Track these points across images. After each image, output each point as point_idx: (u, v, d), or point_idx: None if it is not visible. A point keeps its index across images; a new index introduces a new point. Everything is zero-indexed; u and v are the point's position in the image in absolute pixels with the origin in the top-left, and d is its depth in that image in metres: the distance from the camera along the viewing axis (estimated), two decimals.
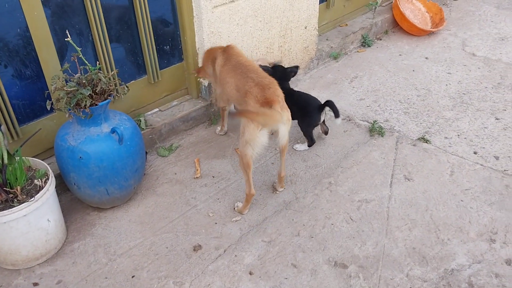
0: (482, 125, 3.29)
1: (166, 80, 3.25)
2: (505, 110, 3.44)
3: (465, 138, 3.16)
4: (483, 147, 3.06)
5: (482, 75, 3.92)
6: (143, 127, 3.06)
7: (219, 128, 3.32)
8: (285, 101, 2.52)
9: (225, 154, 3.10)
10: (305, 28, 3.82)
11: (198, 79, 3.34)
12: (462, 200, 2.64)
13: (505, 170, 2.84)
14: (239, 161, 2.57)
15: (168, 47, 3.17)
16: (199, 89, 3.38)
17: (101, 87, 2.36)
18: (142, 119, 3.10)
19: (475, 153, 3.01)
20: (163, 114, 3.24)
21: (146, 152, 3.01)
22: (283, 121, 2.40)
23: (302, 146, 3.13)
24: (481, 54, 4.23)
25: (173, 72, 3.26)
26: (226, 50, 2.83)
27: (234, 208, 2.66)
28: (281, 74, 3.03)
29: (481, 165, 2.90)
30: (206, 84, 3.32)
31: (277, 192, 2.77)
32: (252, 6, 3.31)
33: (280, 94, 2.47)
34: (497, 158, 2.95)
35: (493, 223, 2.49)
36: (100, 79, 2.36)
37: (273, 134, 2.58)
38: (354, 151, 3.08)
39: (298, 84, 3.90)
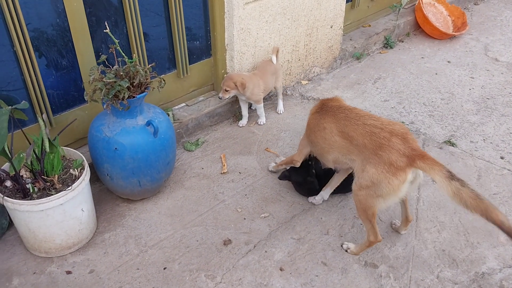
0: (507, 130, 3.30)
1: (194, 75, 3.26)
2: None
3: (491, 142, 3.16)
4: (510, 153, 3.06)
5: (506, 80, 3.92)
6: (171, 121, 3.07)
7: (272, 164, 2.93)
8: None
9: (250, 150, 3.11)
10: (331, 27, 3.82)
11: (225, 75, 3.34)
12: None
13: None
14: (358, 208, 2.21)
15: (198, 42, 3.18)
16: None
17: (138, 80, 2.37)
18: (170, 113, 3.12)
19: (502, 158, 3.02)
20: (190, 109, 3.25)
21: None
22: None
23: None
24: (504, 59, 4.23)
25: (201, 67, 3.27)
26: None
27: (346, 250, 2.38)
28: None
29: (509, 170, 2.91)
30: None
31: (400, 233, 2.49)
32: (281, 3, 3.31)
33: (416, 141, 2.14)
34: None
35: None
36: (138, 72, 2.37)
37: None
38: None
39: (321, 83, 3.91)
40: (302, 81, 3.88)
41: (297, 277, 2.25)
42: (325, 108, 2.39)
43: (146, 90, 2.42)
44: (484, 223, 2.52)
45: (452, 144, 3.13)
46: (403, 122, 3.30)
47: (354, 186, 2.20)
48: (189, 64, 3.16)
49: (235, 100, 3.40)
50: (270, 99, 3.67)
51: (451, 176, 1.99)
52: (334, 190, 2.66)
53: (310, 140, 2.50)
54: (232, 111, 3.42)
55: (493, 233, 2.47)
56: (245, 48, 3.26)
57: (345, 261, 2.34)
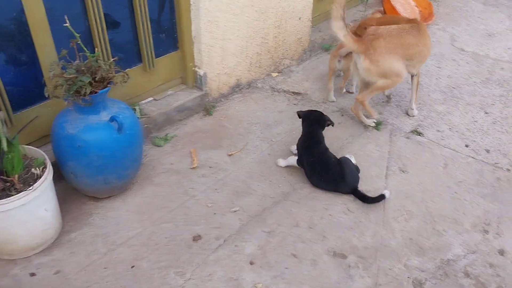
0: (472, 119, 3.37)
1: (161, 69, 3.20)
2: (493, 104, 3.53)
3: (456, 131, 3.23)
4: (474, 141, 3.14)
5: (471, 70, 4.00)
6: (138, 116, 3.01)
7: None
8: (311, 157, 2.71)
9: (221, 144, 3.09)
10: (299, 19, 3.81)
11: (193, 69, 3.30)
12: (456, 192, 2.71)
13: (496, 163, 2.92)
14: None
15: (164, 35, 3.12)
16: (194, 78, 3.35)
17: (101, 75, 2.31)
18: (137, 108, 3.06)
19: (466, 146, 3.09)
20: (158, 104, 3.20)
21: None
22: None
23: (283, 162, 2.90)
24: (469, 49, 4.32)
25: (168, 61, 3.22)
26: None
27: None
28: (315, 120, 2.82)
29: (473, 158, 2.98)
30: (202, 74, 3.29)
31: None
32: None
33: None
34: (488, 151, 3.03)
35: (486, 215, 2.56)
36: (100, 66, 2.31)
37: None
38: (349, 143, 3.12)
39: (291, 75, 3.90)
40: (272, 74, 3.87)
41: (267, 270, 2.26)
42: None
43: (109, 85, 2.37)
44: (450, 210, 2.59)
45: (419, 134, 3.18)
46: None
47: None
48: (156, 57, 3.10)
49: (204, 94, 3.36)
50: (240, 91, 3.65)
51: None
52: (320, 185, 2.71)
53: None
54: (202, 104, 3.38)
55: (458, 220, 2.53)
56: (213, 41, 3.22)
57: (314, 252, 2.35)
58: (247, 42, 3.48)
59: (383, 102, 3.56)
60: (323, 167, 2.71)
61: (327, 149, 2.79)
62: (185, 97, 3.29)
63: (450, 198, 2.67)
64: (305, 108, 3.21)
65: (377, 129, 3.23)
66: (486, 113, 3.44)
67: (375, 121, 3.25)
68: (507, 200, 2.65)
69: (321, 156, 2.75)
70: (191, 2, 3.03)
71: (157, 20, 3.04)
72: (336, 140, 3.13)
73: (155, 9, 2.98)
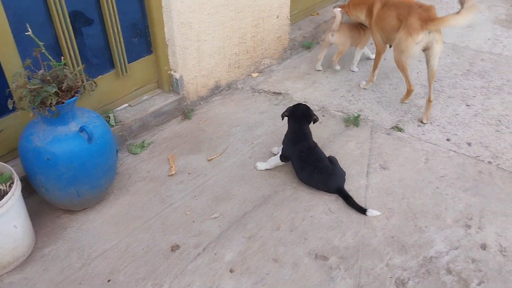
0: (453, 112, 3.34)
1: (136, 74, 3.13)
2: (475, 96, 3.50)
3: (437, 125, 3.20)
4: (456, 134, 3.10)
5: (452, 62, 3.98)
6: (112, 124, 2.95)
7: (364, 82, 3.64)
8: (299, 152, 2.69)
9: (200, 149, 3.03)
10: (277, 17, 3.76)
11: (169, 72, 3.23)
12: (437, 187, 2.67)
13: (477, 156, 2.89)
14: (397, 65, 3.19)
15: (136, 39, 3.05)
16: (170, 82, 3.29)
17: (67, 84, 2.24)
18: (111, 115, 2.99)
19: (448, 140, 3.05)
20: (134, 110, 3.13)
21: (117, 150, 2.90)
22: (436, 39, 2.96)
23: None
24: (449, 41, 4.29)
25: (142, 65, 3.15)
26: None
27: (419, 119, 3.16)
28: (302, 116, 2.76)
29: (455, 151, 2.94)
30: (178, 77, 3.22)
31: (422, 123, 3.21)
32: None
33: (436, 15, 2.95)
34: (469, 144, 3.00)
35: (468, 209, 2.53)
36: (66, 75, 2.24)
37: (425, 50, 3.03)
38: (330, 142, 3.07)
39: (272, 75, 3.85)
40: (252, 74, 3.81)
41: (248, 277, 2.20)
42: (386, 5, 3.25)
43: (76, 94, 2.30)
44: (432, 206, 2.56)
45: (400, 130, 3.14)
46: (351, 112, 3.28)
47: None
48: (129, 62, 3.03)
49: (182, 98, 3.30)
50: (220, 93, 3.59)
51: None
52: (309, 181, 2.67)
53: (379, 29, 3.34)
54: (180, 108, 3.32)
55: (440, 216, 2.50)
56: (188, 43, 3.16)
57: (295, 255, 2.30)
58: (224, 42, 3.42)
59: (364, 99, 3.52)
60: (315, 161, 2.66)
61: (316, 144, 2.76)
62: (162, 101, 3.22)
63: (432, 194, 2.63)
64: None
65: (357, 126, 3.19)
66: (468, 105, 3.40)
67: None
68: (488, 194, 2.62)
69: (312, 150, 2.71)
70: (163, 4, 2.97)
71: (128, 24, 2.97)
72: (317, 139, 3.05)
73: (125, 13, 2.91)
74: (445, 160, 2.87)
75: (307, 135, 2.75)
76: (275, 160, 2.80)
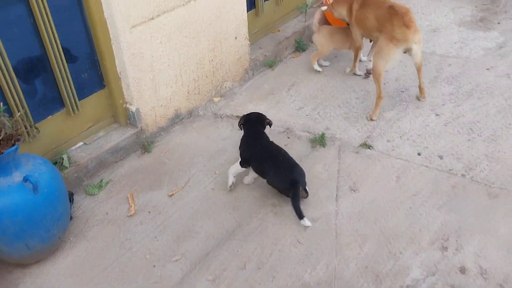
0: (423, 123, 3.24)
1: (89, 110, 2.97)
2: (443, 104, 3.42)
3: (407, 139, 3.09)
4: (427, 147, 3.00)
5: None
6: (66, 166, 2.77)
7: (348, 69, 3.84)
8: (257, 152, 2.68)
9: (161, 183, 2.86)
10: (236, 38, 3.64)
11: (124, 105, 3.08)
12: (410, 207, 2.55)
13: (450, 170, 2.78)
14: (373, 72, 3.27)
15: (86, 74, 2.89)
16: (127, 115, 3.13)
17: (5, 133, 2.08)
18: (65, 156, 2.81)
19: (419, 154, 2.94)
20: (89, 148, 2.96)
21: (72, 193, 2.73)
22: (415, 41, 3.08)
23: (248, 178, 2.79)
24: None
25: (95, 100, 2.99)
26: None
27: (366, 117, 3.30)
28: (257, 120, 2.83)
29: (426, 166, 2.83)
30: (134, 110, 3.07)
31: (420, 100, 3.45)
32: (175, 22, 3.09)
33: (414, 20, 3.08)
34: (441, 157, 2.89)
35: (444, 229, 2.41)
36: (4, 124, 2.08)
37: (406, 52, 3.17)
38: None
39: (234, 98, 3.71)
40: (214, 99, 3.68)
41: None
42: (365, 5, 3.40)
43: (17, 143, 2.13)
44: (406, 228, 2.43)
45: (369, 147, 3.03)
46: (317, 132, 3.16)
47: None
48: (80, 99, 2.87)
49: (140, 131, 3.14)
50: (180, 122, 3.44)
51: None
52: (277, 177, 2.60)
53: (360, 28, 3.49)
54: (139, 142, 3.16)
55: (415, 238, 2.37)
56: (141, 74, 3.01)
57: None
58: (181, 70, 3.28)
59: (330, 116, 3.40)
60: (275, 153, 2.65)
61: (273, 142, 2.77)
62: (119, 137, 3.06)
63: (405, 215, 2.51)
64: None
65: (324, 146, 3.06)
66: (437, 115, 3.31)
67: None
68: (463, 210, 2.50)
69: (270, 145, 2.73)
70: (111, 37, 2.82)
71: (76, 59, 2.81)
72: None
73: (71, 48, 2.75)
74: (417, 176, 2.76)
75: (263, 135, 2.79)
76: (235, 167, 2.71)
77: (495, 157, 2.84)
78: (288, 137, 3.20)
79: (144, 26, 2.90)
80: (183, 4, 3.10)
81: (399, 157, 2.93)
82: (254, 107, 3.58)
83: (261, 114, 2.87)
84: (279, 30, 4.28)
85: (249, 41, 3.81)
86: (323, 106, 3.53)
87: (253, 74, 3.97)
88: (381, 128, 3.22)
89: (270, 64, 4.06)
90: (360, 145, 3.05)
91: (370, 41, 3.79)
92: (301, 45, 4.27)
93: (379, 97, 3.26)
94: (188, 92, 3.43)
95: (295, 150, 3.06)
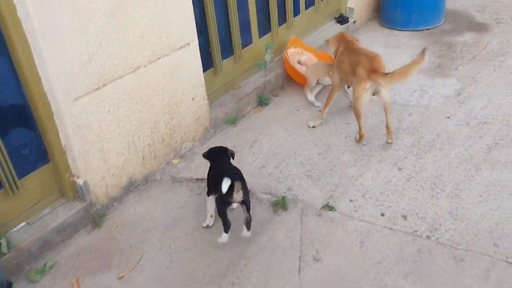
0: (385, 178, 3.15)
1: (32, 187, 2.78)
2: (406, 158, 3.35)
3: (370, 197, 2.99)
4: (390, 206, 2.89)
5: (380, 121, 3.84)
6: (4, 252, 2.55)
7: (312, 122, 3.84)
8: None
9: (110, 264, 2.66)
10: (193, 99, 3.55)
11: (71, 179, 2.90)
12: (375, 277, 2.41)
13: (414, 232, 2.67)
14: (354, 112, 3.47)
15: (27, 150, 2.73)
16: (75, 189, 2.94)
17: None
18: (3, 241, 2.59)
19: (382, 215, 2.83)
20: (32, 228, 2.75)
21: (11, 283, 2.50)
22: (382, 84, 3.27)
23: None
24: (375, 97, 4.19)
25: (39, 176, 2.81)
26: (347, 43, 3.70)
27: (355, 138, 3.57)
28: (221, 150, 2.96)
29: (390, 229, 2.71)
30: (82, 183, 2.89)
31: (387, 143, 3.49)
32: (124, 89, 2.98)
33: (382, 64, 3.38)
34: (405, 217, 2.79)
35: None
36: None
37: (375, 95, 3.40)
38: (258, 234, 2.78)
39: (195, 159, 3.58)
40: (173, 161, 3.53)
41: None
42: (345, 50, 3.64)
43: None
44: None
45: (331, 208, 2.90)
46: (279, 193, 3.04)
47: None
48: (20, 177, 2.69)
49: (89, 204, 2.95)
50: (136, 189, 3.27)
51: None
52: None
53: (339, 71, 3.68)
54: (88, 216, 2.96)
55: None
56: (88, 146, 2.86)
57: None
58: (133, 136, 3.15)
59: (293, 174, 3.29)
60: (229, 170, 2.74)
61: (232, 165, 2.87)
62: (66, 213, 2.87)
63: (370, 286, 2.36)
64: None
65: (286, 209, 2.93)
66: (400, 169, 3.24)
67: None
68: (430, 278, 2.37)
69: (227, 166, 2.82)
70: (53, 110, 2.68)
71: (15, 135, 2.65)
72: None
73: (9, 125, 2.60)
74: (381, 241, 2.63)
75: (225, 162, 2.87)
76: (209, 201, 2.83)
77: (459, 214, 2.75)
78: (252, 195, 3.05)
79: (89, 97, 2.78)
80: (132, 71, 3.00)
81: (362, 219, 2.81)
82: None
83: (225, 147, 2.98)
84: (239, 87, 4.22)
85: (208, 100, 3.72)
86: (285, 163, 3.42)
87: (214, 132, 3.86)
88: (343, 186, 3.11)
89: (232, 121, 3.97)
90: (323, 207, 2.93)
91: (348, 87, 3.97)
92: (263, 100, 4.21)
93: (360, 136, 3.52)
94: (143, 158, 3.28)
95: (257, 215, 2.91)
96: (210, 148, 2.99)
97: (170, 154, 3.51)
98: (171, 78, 3.31)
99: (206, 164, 3.47)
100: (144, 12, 2.96)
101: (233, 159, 2.92)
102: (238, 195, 2.51)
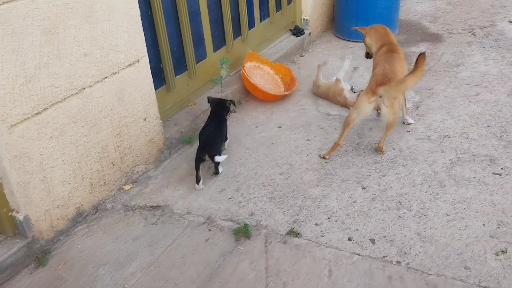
0: (350, 199, 3.05)
1: None
2: (369, 175, 3.27)
3: (336, 220, 2.87)
4: (357, 229, 2.78)
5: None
6: None
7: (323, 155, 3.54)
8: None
9: None
10: (145, 119, 3.31)
11: (10, 214, 2.59)
12: None
13: (384, 257, 2.57)
14: (346, 119, 3.36)
15: None
16: (14, 224, 2.63)
17: None
18: None
19: (349, 239, 2.71)
20: None
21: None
22: (386, 104, 3.18)
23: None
24: (335, 112, 4.12)
25: None
26: (392, 47, 3.47)
27: (319, 155, 3.46)
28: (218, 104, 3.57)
29: (359, 254, 2.60)
30: (22, 218, 2.59)
31: (378, 153, 3.46)
32: (68, 112, 2.71)
33: (391, 79, 3.17)
34: (373, 241, 2.68)
35: None
36: None
37: (378, 111, 3.38)
38: (220, 266, 2.59)
39: (148, 183, 3.33)
40: (124, 187, 3.27)
41: None
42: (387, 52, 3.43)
43: None
44: None
45: (296, 234, 2.76)
46: (241, 220, 2.86)
47: None
48: None
49: (32, 241, 2.64)
50: (84, 220, 2.98)
51: None
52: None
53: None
54: (31, 254, 2.66)
55: None
56: (28, 176, 2.57)
57: None
58: (80, 163, 2.87)
59: (255, 197, 3.12)
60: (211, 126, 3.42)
61: (224, 121, 3.55)
62: (4, 252, 2.56)
63: None
64: (166, 226, 2.73)
65: (249, 237, 2.75)
66: (364, 188, 3.14)
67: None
68: None
69: (214, 121, 3.47)
70: None
71: None
72: (204, 267, 2.59)
73: None
74: (350, 268, 2.51)
75: (218, 116, 3.52)
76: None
77: (428, 236, 2.68)
78: (210, 229, 2.86)
79: (28, 123, 2.50)
80: (76, 93, 2.73)
81: (330, 244, 2.68)
82: (172, 192, 3.22)
83: (223, 100, 3.62)
84: (195, 103, 4.01)
85: (161, 119, 3.49)
86: (246, 185, 3.25)
87: (169, 153, 3.63)
88: (308, 209, 2.98)
89: (189, 140, 3.75)
90: (288, 233, 2.78)
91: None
92: None
93: (336, 143, 3.41)
94: (92, 185, 3.01)
95: (218, 246, 2.72)
96: (214, 99, 3.63)
97: (121, 180, 3.25)
98: (120, 98, 3.06)
99: (161, 188, 3.29)
100: (87, 29, 2.71)
101: (234, 105, 3.66)
102: (207, 157, 3.17)
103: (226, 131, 3.57)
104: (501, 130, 3.64)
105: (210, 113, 3.55)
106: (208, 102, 3.63)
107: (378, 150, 3.47)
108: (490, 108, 3.94)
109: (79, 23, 2.66)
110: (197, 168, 3.19)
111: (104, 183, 3.11)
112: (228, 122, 4.03)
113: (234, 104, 3.61)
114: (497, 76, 4.47)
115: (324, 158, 3.44)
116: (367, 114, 3.31)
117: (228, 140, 3.63)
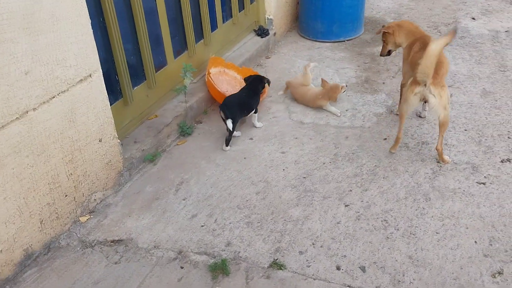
0: (334, 219, 2.82)
1: None
2: (350, 191, 3.05)
3: (321, 246, 2.62)
4: (345, 255, 2.55)
5: (316, 147, 3.53)
6: None
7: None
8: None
9: None
10: (100, 141, 2.93)
11: None
12: None
13: (377, 287, 2.35)
14: (399, 111, 3.36)
15: None
16: None
17: None
18: None
19: (338, 268, 2.48)
20: None
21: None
22: (433, 93, 2.99)
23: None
24: (308, 120, 3.87)
25: None
26: (427, 39, 3.22)
27: (389, 150, 3.37)
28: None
29: (350, 286, 2.37)
30: None
31: (440, 163, 3.23)
32: (8, 141, 2.30)
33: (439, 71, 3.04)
34: (363, 269, 2.46)
35: None
36: None
37: (425, 102, 3.23)
38: None
39: (108, 212, 2.96)
40: (80, 219, 2.89)
41: None
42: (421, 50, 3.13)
43: None
44: None
45: (280, 267, 2.49)
46: (216, 253, 2.56)
47: None
48: None
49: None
50: (35, 263, 2.58)
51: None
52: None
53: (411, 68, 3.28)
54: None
55: None
56: None
57: None
58: (26, 198, 2.47)
59: (230, 223, 2.83)
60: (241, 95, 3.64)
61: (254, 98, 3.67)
62: None
63: None
64: (131, 264, 2.39)
65: (227, 274, 2.46)
66: (347, 205, 2.92)
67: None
68: None
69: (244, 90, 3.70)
70: None
71: None
72: None
73: None
74: None
75: (250, 89, 3.69)
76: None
77: (420, 259, 2.49)
78: (182, 267, 2.54)
79: None
80: (17, 118, 2.33)
81: (317, 276, 2.43)
82: (135, 222, 2.87)
83: (260, 76, 3.83)
84: (156, 116, 3.64)
85: (119, 137, 3.12)
86: (220, 209, 2.95)
87: (130, 175, 3.26)
88: (290, 234, 2.72)
89: (151, 159, 3.39)
90: (270, 265, 2.50)
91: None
92: (185, 129, 3.68)
93: (397, 137, 3.32)
94: (42, 222, 2.61)
95: (192, 286, 2.41)
96: (251, 75, 3.82)
97: (76, 211, 2.86)
98: (71, 119, 2.67)
99: (123, 218, 2.95)
100: (27, 42, 2.30)
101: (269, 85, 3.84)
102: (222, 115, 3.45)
103: (257, 104, 3.67)
104: (478, 134, 3.53)
105: (245, 86, 3.72)
106: (245, 81, 3.77)
107: (441, 161, 3.24)
108: (465, 111, 3.82)
109: (17, 36, 2.25)
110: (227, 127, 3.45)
111: (57, 217, 2.71)
112: (195, 135, 3.73)
113: (269, 84, 3.81)
114: (468, 75, 4.38)
115: (391, 152, 3.37)
116: (415, 105, 3.19)
117: (258, 113, 3.74)
